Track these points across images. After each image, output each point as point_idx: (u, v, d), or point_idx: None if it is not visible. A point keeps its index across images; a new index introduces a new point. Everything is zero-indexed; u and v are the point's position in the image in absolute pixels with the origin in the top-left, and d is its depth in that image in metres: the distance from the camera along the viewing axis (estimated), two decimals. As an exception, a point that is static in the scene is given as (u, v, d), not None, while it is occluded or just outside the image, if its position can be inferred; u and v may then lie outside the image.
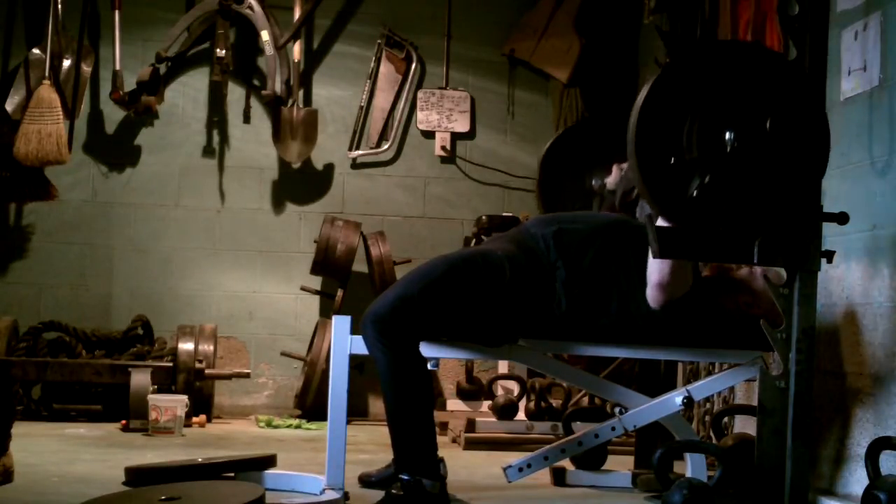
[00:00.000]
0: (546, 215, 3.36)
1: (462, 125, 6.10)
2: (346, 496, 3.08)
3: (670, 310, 3.03)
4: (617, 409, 3.21)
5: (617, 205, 3.43)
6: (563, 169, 3.69)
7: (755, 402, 2.80)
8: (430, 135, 6.11)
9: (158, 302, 5.83)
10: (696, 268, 3.07)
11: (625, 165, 3.42)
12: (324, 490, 3.10)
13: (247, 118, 6.00)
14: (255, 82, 5.98)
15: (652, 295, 3.00)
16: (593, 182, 3.62)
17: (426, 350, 3.09)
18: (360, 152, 6.06)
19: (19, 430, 3.34)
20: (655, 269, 2.97)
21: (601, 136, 3.71)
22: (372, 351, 3.06)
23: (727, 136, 2.55)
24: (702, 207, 2.57)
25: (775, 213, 2.62)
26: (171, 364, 5.17)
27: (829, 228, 2.75)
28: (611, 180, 3.47)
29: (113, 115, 5.89)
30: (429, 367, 3.11)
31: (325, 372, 4.49)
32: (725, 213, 2.59)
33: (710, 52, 2.69)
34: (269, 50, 5.66)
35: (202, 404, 5.22)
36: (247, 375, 5.44)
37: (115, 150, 5.91)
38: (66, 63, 5.58)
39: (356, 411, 5.51)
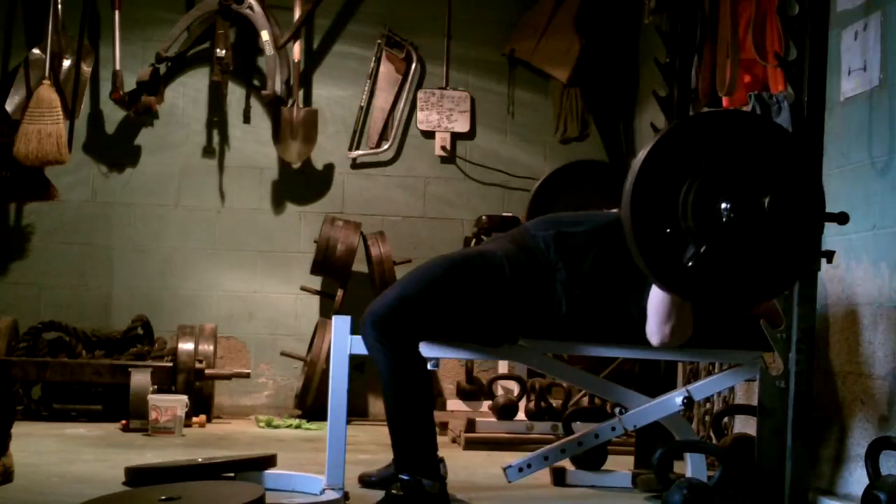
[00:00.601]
0: (547, 216, 3.36)
1: (462, 125, 6.10)
2: (346, 496, 3.08)
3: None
4: (617, 409, 3.21)
5: None
6: (554, 207, 3.72)
7: (755, 402, 2.81)
8: (430, 135, 6.10)
9: (158, 302, 5.83)
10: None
11: (613, 211, 3.45)
12: (324, 490, 3.11)
13: (247, 118, 6.00)
14: (255, 82, 5.98)
15: (656, 334, 3.00)
16: None
17: (426, 350, 3.09)
18: (360, 152, 6.06)
19: (19, 430, 3.35)
20: (656, 311, 2.97)
21: (588, 180, 3.74)
22: (372, 351, 3.06)
23: (723, 206, 2.54)
24: (697, 276, 2.56)
25: (770, 282, 2.62)
26: (171, 364, 5.17)
27: (829, 228, 2.75)
28: None
29: (113, 115, 5.88)
30: (429, 367, 3.11)
31: (325, 372, 4.49)
32: (720, 283, 2.58)
33: (708, 120, 2.69)
34: (269, 50, 5.65)
35: (202, 404, 5.22)
36: (247, 375, 5.44)
37: (115, 150, 5.91)
38: (66, 63, 5.57)
39: (356, 411, 5.51)
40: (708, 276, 2.57)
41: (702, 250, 2.54)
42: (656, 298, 2.96)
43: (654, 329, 3.00)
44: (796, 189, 2.58)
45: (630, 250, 2.61)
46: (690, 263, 2.55)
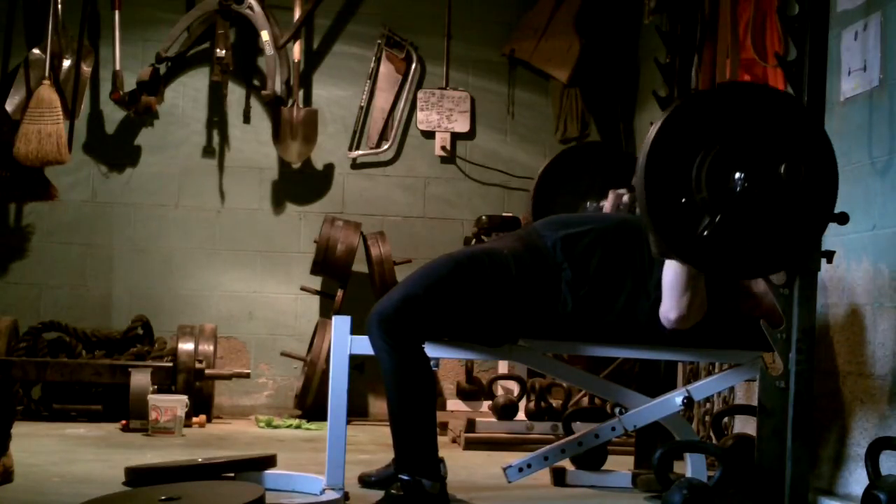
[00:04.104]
0: (556, 217, 3.37)
1: (462, 125, 6.10)
2: (346, 496, 3.08)
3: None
4: (617, 409, 3.21)
5: None
6: (557, 193, 3.70)
7: (755, 402, 2.80)
8: (430, 135, 6.10)
9: (158, 302, 5.83)
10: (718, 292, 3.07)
11: (621, 191, 3.44)
12: (324, 490, 3.10)
13: (247, 118, 6.00)
14: (255, 82, 5.98)
15: (674, 310, 3.00)
16: (588, 206, 3.63)
17: (427, 350, 3.09)
18: (360, 152, 6.06)
19: (19, 430, 3.34)
20: (672, 287, 2.97)
21: (596, 162, 3.73)
22: (377, 350, 3.06)
23: (737, 176, 2.55)
24: (712, 247, 2.57)
25: (785, 251, 2.63)
26: (171, 364, 5.17)
27: (829, 228, 2.75)
28: (607, 205, 3.49)
29: (113, 115, 5.89)
30: (429, 366, 3.11)
31: (325, 372, 4.49)
32: (736, 253, 2.59)
33: (720, 92, 2.70)
34: (269, 50, 5.65)
35: (202, 404, 5.22)
36: (247, 375, 5.44)
37: (115, 150, 5.91)
38: (66, 63, 5.57)
39: (356, 411, 5.51)
40: (723, 246, 2.58)
41: (717, 220, 2.55)
42: (671, 274, 2.96)
43: (671, 306, 2.99)
44: (811, 156, 2.60)
45: (644, 223, 2.62)
46: (706, 233, 2.55)
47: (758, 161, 2.57)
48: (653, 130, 2.59)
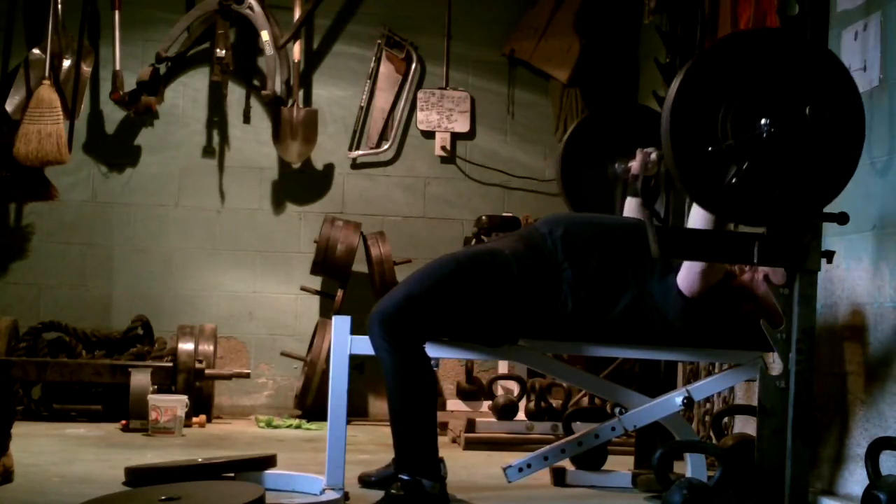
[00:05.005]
0: (556, 215, 3.36)
1: (462, 125, 6.10)
2: (346, 496, 3.08)
3: (677, 314, 3.03)
4: (617, 409, 3.21)
5: (639, 191, 3.41)
6: (584, 157, 3.67)
7: (755, 402, 2.80)
8: (430, 135, 6.10)
9: (158, 302, 5.83)
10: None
11: (649, 150, 3.42)
12: (324, 490, 3.10)
13: (247, 118, 6.00)
14: (255, 82, 5.98)
15: (687, 280, 2.99)
16: (616, 168, 3.59)
17: (427, 350, 3.09)
18: (360, 152, 6.06)
19: (19, 430, 3.34)
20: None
21: (622, 124, 3.68)
22: (378, 350, 3.06)
23: (763, 122, 2.54)
24: (740, 195, 2.56)
25: (812, 196, 2.61)
26: (171, 364, 5.17)
27: (829, 228, 2.75)
28: (634, 165, 3.44)
29: (113, 115, 5.89)
30: (429, 366, 3.11)
31: (325, 372, 4.49)
32: (763, 201, 2.57)
33: (742, 40, 2.68)
34: (269, 50, 5.65)
35: (202, 404, 5.22)
36: (247, 375, 5.44)
37: (115, 150, 5.91)
38: (66, 63, 5.57)
39: (356, 411, 5.51)
40: (751, 195, 2.57)
41: (744, 167, 2.54)
42: (697, 226, 2.93)
43: (691, 263, 2.97)
44: (835, 98, 2.59)
45: (671, 174, 2.60)
46: (733, 181, 2.54)
47: (783, 105, 2.55)
48: (677, 80, 2.58)
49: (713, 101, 2.56)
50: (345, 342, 3.12)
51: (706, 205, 2.64)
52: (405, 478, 3.04)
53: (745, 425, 3.86)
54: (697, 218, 2.92)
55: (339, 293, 5.55)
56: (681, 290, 3.02)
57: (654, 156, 3.41)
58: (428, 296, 3.07)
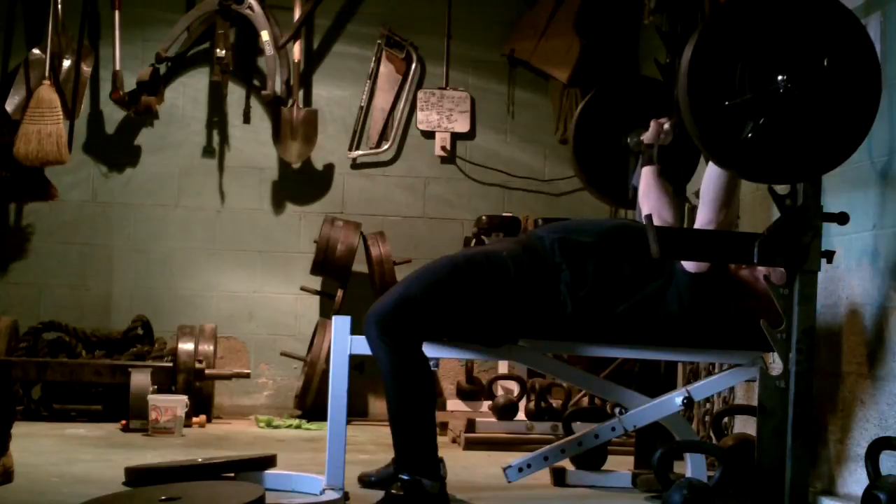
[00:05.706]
0: (555, 223, 3.38)
1: (462, 125, 6.10)
2: (346, 496, 3.08)
3: (684, 288, 3.04)
4: (617, 409, 3.22)
5: (655, 159, 3.41)
6: (597, 129, 3.67)
7: (755, 402, 2.80)
8: (430, 135, 6.10)
9: (158, 302, 5.83)
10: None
11: (662, 120, 3.43)
12: (324, 490, 3.10)
13: (247, 118, 6.00)
14: (255, 82, 5.98)
15: (713, 223, 2.98)
16: (630, 139, 3.60)
17: (427, 350, 3.09)
18: (360, 152, 6.06)
19: (19, 430, 3.35)
20: (713, 198, 2.97)
21: (635, 95, 3.68)
22: (374, 350, 3.06)
23: (780, 77, 2.53)
24: (756, 150, 2.56)
25: (829, 151, 2.61)
26: (171, 364, 5.17)
27: (829, 228, 2.75)
28: (648, 135, 3.44)
29: (113, 115, 5.89)
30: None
31: (325, 372, 4.48)
32: (780, 156, 2.57)
33: None
34: (269, 50, 5.65)
35: (202, 404, 5.22)
36: (247, 376, 5.44)
37: (115, 150, 5.91)
38: (66, 63, 5.57)
39: (356, 411, 5.51)
40: (767, 150, 2.56)
41: (760, 122, 2.54)
42: (712, 185, 2.95)
43: (710, 218, 2.97)
44: (851, 51, 2.58)
45: (688, 131, 2.60)
46: (750, 136, 2.54)
47: (799, 59, 2.55)
48: (694, 36, 2.58)
49: (730, 57, 2.55)
50: (345, 342, 3.12)
51: (723, 161, 2.63)
52: (405, 477, 3.04)
53: (745, 425, 3.86)
54: (713, 176, 2.93)
55: (339, 293, 5.55)
56: (685, 269, 3.03)
57: (667, 125, 3.43)
58: (424, 297, 3.07)
